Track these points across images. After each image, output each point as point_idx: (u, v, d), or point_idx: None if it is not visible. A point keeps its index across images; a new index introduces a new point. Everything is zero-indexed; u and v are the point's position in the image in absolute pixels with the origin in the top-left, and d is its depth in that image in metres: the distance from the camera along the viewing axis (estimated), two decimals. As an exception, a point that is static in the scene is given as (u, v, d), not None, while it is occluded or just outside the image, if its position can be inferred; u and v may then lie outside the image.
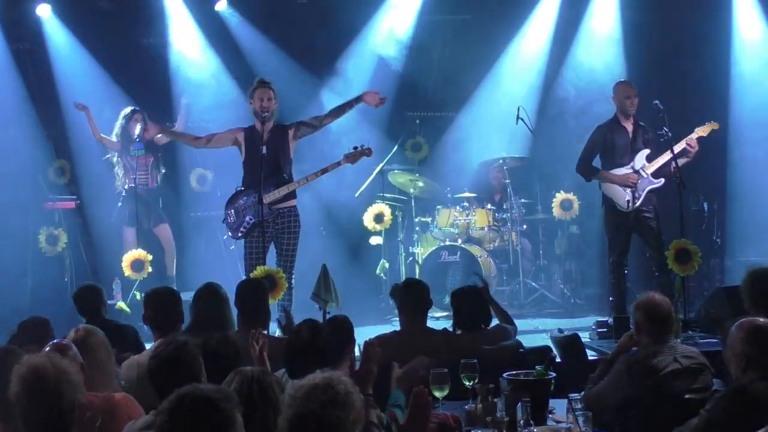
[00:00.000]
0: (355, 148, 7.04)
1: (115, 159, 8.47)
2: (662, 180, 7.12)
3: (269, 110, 6.87)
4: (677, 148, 6.98)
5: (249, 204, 6.91)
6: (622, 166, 7.22)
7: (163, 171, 8.60)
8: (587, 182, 7.52)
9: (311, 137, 7.43)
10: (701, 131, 7.16)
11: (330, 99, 9.39)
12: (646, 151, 7.19)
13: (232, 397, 2.55)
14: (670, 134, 7.03)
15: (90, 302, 5.34)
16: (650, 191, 7.16)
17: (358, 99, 7.12)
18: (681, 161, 6.97)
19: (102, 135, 8.45)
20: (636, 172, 7.15)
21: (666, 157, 7.08)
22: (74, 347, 3.55)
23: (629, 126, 7.22)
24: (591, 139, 7.39)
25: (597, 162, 7.40)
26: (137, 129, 8.29)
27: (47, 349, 3.50)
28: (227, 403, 2.48)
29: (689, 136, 7.08)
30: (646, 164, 7.16)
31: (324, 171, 7.00)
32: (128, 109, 8.48)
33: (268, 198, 6.77)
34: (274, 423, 2.72)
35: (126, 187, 8.37)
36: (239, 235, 6.99)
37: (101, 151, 8.80)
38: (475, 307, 4.98)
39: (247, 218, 6.92)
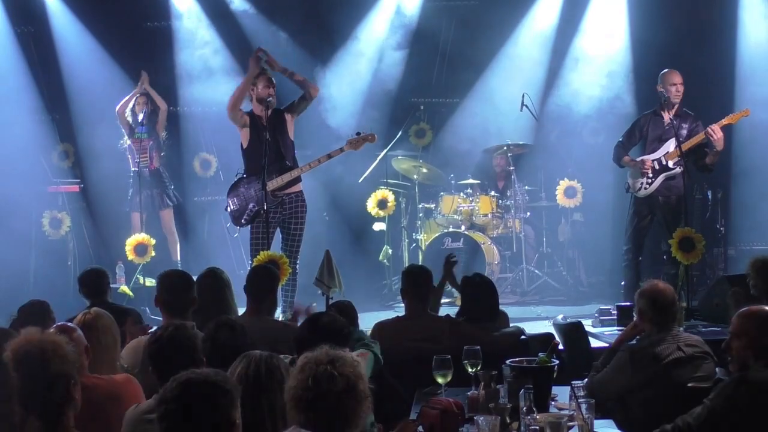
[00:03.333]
0: (358, 134, 7.02)
1: (126, 144, 8.51)
2: (678, 168, 7.10)
3: (273, 96, 6.85)
4: (695, 140, 7.01)
5: (252, 192, 6.88)
6: (652, 153, 7.24)
7: (162, 154, 8.59)
8: (620, 168, 7.56)
9: (314, 125, 7.39)
10: (730, 119, 7.10)
11: (333, 83, 9.38)
12: (674, 140, 7.12)
13: (229, 380, 2.56)
14: (675, 122, 7.00)
15: (95, 286, 5.34)
16: (669, 179, 7.15)
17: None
18: (710, 152, 6.98)
19: (127, 117, 8.48)
20: (657, 159, 7.15)
21: (671, 145, 7.06)
22: (79, 329, 3.55)
23: (668, 115, 7.16)
24: (631, 126, 7.46)
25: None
26: (141, 113, 8.34)
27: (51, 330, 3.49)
28: (225, 386, 2.49)
29: (716, 124, 6.97)
30: (670, 152, 7.14)
31: (327, 157, 6.98)
32: (136, 93, 8.50)
33: (271, 185, 6.75)
34: (281, 405, 2.73)
35: (132, 172, 8.42)
36: (242, 222, 6.97)
37: (105, 135, 8.82)
38: (485, 300, 4.96)
39: (251, 206, 6.89)
